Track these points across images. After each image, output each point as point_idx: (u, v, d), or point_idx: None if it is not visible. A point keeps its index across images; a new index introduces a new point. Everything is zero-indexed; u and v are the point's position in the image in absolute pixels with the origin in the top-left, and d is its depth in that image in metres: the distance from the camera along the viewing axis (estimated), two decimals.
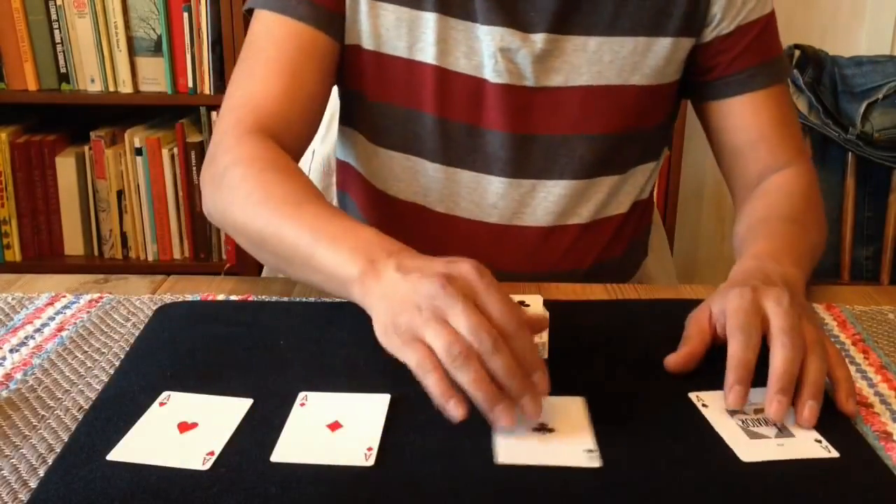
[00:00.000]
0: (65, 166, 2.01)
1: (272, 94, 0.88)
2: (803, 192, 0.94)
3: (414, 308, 0.61)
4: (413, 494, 0.55)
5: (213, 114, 1.96)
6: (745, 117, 0.96)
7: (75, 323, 0.78)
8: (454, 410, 0.58)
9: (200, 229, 2.05)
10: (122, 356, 0.72)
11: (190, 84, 1.93)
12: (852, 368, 0.72)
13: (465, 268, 0.62)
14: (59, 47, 1.93)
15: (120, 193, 2.03)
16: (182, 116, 2.01)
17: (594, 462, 0.58)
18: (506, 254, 0.97)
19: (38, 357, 0.72)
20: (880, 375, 0.71)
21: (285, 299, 0.83)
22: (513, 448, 0.59)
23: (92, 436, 0.60)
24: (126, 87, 1.95)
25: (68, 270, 1.32)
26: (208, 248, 2.07)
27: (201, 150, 1.99)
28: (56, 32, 1.92)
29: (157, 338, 0.74)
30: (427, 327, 0.60)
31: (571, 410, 0.63)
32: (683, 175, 2.05)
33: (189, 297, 0.83)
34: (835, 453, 0.59)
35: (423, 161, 0.96)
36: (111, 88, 1.95)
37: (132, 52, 1.94)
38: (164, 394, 0.65)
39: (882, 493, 0.56)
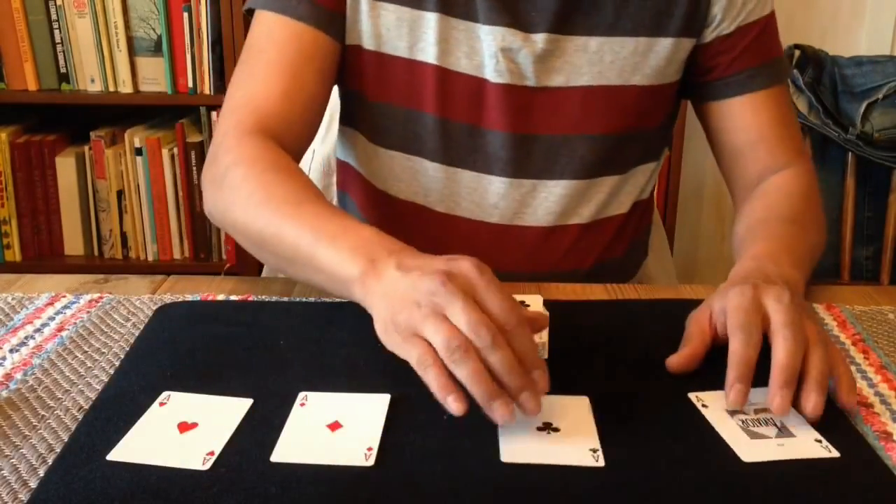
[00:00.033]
0: (65, 166, 2.01)
1: (273, 94, 0.88)
2: (803, 193, 0.94)
3: (413, 305, 0.61)
4: (413, 494, 0.55)
5: (213, 114, 1.96)
6: (744, 118, 0.96)
7: (75, 323, 0.78)
8: (453, 405, 0.58)
9: (200, 229, 2.05)
10: (122, 356, 0.72)
11: (190, 84, 1.93)
12: (852, 368, 0.72)
13: (465, 265, 0.63)
14: (59, 47, 1.93)
15: (120, 193, 2.03)
16: (182, 116, 2.01)
17: (598, 462, 0.58)
18: (506, 254, 0.97)
19: (38, 357, 0.72)
20: (880, 375, 0.71)
21: (285, 299, 0.83)
22: (517, 447, 0.59)
23: (92, 436, 0.60)
24: (126, 87, 1.94)
25: (68, 270, 1.32)
26: (208, 248, 2.07)
27: (201, 150, 1.99)
28: (56, 32, 1.92)
29: (157, 338, 0.74)
30: (426, 323, 0.60)
31: (577, 410, 0.63)
32: (683, 175, 2.05)
33: (189, 297, 0.83)
34: (835, 453, 0.59)
35: (423, 161, 0.96)
36: (111, 88, 1.95)
37: (132, 52, 1.94)
38: (164, 394, 0.65)
39: (882, 493, 0.56)
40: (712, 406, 0.65)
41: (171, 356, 0.71)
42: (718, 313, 0.70)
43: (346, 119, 1.03)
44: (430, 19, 0.90)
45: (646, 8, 0.91)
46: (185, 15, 1.90)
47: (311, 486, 0.55)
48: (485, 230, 0.97)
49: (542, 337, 0.70)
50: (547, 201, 0.96)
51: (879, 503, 0.56)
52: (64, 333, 0.76)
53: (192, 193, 2.02)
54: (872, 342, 0.77)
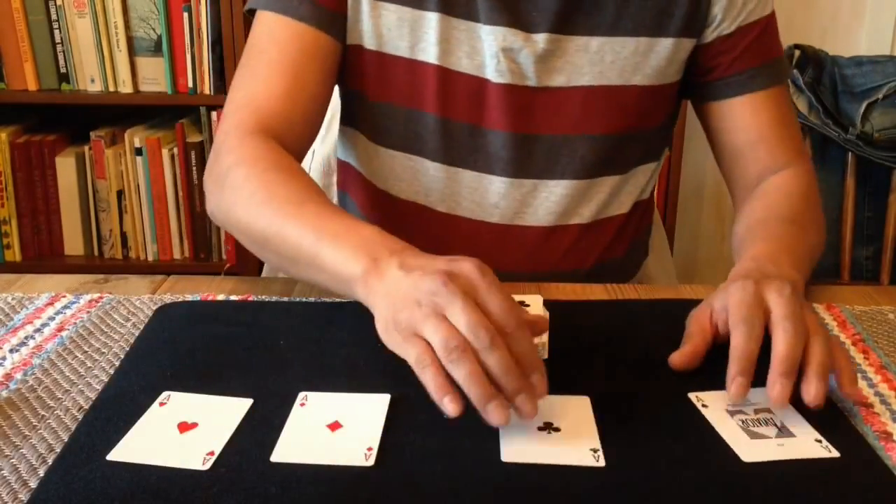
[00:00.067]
0: (65, 166, 2.01)
1: (274, 94, 0.88)
2: (802, 193, 0.94)
3: (414, 304, 0.61)
4: (413, 494, 0.55)
5: (213, 114, 1.96)
6: (745, 118, 0.96)
7: (75, 323, 0.78)
8: (449, 406, 0.58)
9: (200, 229, 2.05)
10: (122, 356, 0.72)
11: (190, 84, 1.93)
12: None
13: (467, 266, 0.63)
14: (59, 47, 1.93)
15: (120, 193, 2.03)
16: (182, 116, 2.01)
17: (599, 462, 0.58)
18: (507, 253, 0.97)
19: (38, 357, 0.72)
20: (880, 375, 0.71)
21: (285, 299, 0.83)
22: (518, 447, 0.59)
23: (92, 436, 0.60)
24: (126, 87, 1.94)
25: (68, 270, 1.32)
26: (208, 248, 2.06)
27: (201, 150, 1.99)
28: (56, 32, 1.92)
29: (157, 338, 0.74)
30: (426, 323, 0.60)
31: (577, 410, 0.63)
32: (683, 175, 2.05)
33: (189, 297, 0.83)
34: (835, 453, 0.59)
35: (424, 161, 0.96)
36: (111, 88, 1.95)
37: (132, 52, 1.93)
38: (164, 394, 0.65)
39: (882, 493, 0.56)
40: (712, 406, 0.65)
41: (171, 356, 0.71)
42: (720, 310, 0.70)
43: (347, 119, 1.03)
44: (431, 19, 0.90)
45: (646, 8, 0.91)
46: (185, 15, 1.90)
47: (311, 486, 0.55)
48: (485, 230, 0.97)
49: (543, 337, 0.70)
50: (547, 201, 0.96)
51: (879, 503, 0.56)
52: (64, 333, 0.76)
53: (192, 193, 2.02)
54: (872, 342, 0.77)
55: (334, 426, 0.61)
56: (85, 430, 0.61)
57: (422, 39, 0.91)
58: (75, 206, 2.03)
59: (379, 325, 0.64)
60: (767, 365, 0.64)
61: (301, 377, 0.68)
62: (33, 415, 0.64)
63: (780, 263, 0.76)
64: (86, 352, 0.73)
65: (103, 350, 0.73)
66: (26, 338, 0.75)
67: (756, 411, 0.64)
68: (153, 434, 0.61)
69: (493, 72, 0.91)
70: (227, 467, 0.57)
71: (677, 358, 0.70)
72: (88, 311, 0.80)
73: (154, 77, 1.95)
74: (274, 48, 0.89)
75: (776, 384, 0.62)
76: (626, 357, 0.73)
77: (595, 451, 0.59)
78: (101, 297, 0.83)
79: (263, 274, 1.12)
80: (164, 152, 1.99)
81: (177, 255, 2.07)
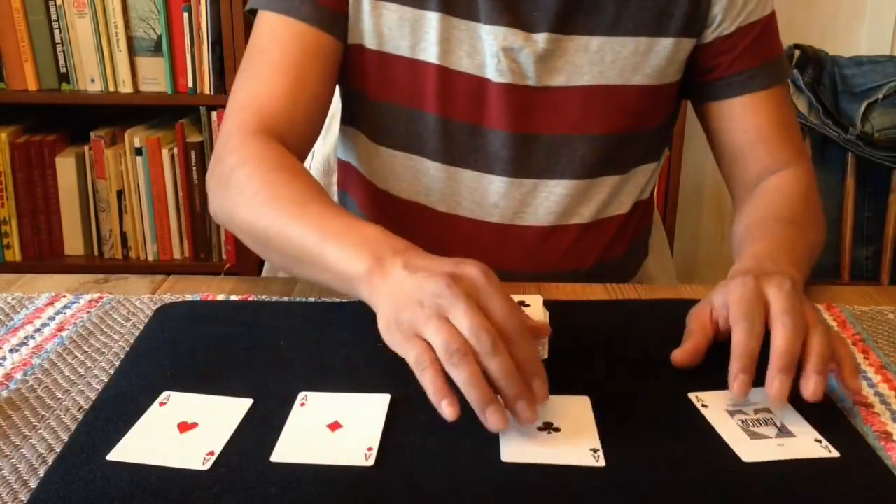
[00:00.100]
0: (65, 166, 2.01)
1: (276, 94, 0.88)
2: (802, 193, 0.94)
3: (417, 305, 0.61)
4: (413, 494, 0.55)
5: (214, 114, 1.96)
6: (745, 118, 0.96)
7: (75, 323, 0.78)
8: (447, 409, 0.58)
9: (200, 229, 2.05)
10: (122, 356, 0.72)
11: (190, 84, 1.93)
12: None
13: (471, 269, 0.63)
14: (59, 47, 1.93)
15: (120, 193, 2.03)
16: (182, 116, 2.01)
17: (599, 462, 0.58)
18: (507, 253, 0.97)
19: (38, 357, 0.72)
20: (880, 375, 0.71)
21: (285, 299, 0.83)
22: (518, 447, 0.59)
23: (92, 436, 0.60)
24: (126, 87, 1.94)
25: (68, 270, 1.32)
26: (208, 248, 2.06)
27: (201, 150, 1.99)
28: (56, 32, 1.92)
29: (157, 338, 0.74)
30: (428, 324, 0.60)
31: (577, 410, 0.63)
32: (683, 175, 2.05)
33: (189, 297, 0.83)
34: (835, 453, 0.59)
35: (424, 160, 0.96)
36: (111, 88, 1.95)
37: (132, 52, 1.93)
38: (164, 394, 0.65)
39: (882, 493, 0.56)
40: (712, 406, 0.65)
41: (171, 356, 0.71)
42: (720, 307, 0.70)
43: (348, 119, 1.03)
44: (432, 19, 0.90)
45: (646, 8, 0.91)
46: (185, 15, 1.90)
47: (311, 486, 0.55)
48: (485, 229, 0.97)
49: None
50: (548, 201, 0.96)
51: (879, 503, 0.56)
52: (64, 333, 0.76)
53: (192, 193, 2.02)
54: (872, 342, 0.77)
55: (334, 426, 0.61)
56: (85, 430, 0.61)
57: (422, 39, 0.91)
58: (75, 206, 2.03)
59: (381, 324, 0.64)
60: (767, 361, 0.64)
61: (301, 377, 0.68)
62: (33, 415, 0.64)
63: (780, 262, 0.76)
64: (86, 352, 0.73)
65: (103, 350, 0.73)
66: (26, 338, 0.75)
67: (756, 411, 0.64)
68: (153, 434, 0.61)
69: (494, 71, 0.91)
70: (227, 467, 0.57)
71: (679, 355, 0.70)
72: (88, 311, 0.80)
73: (154, 77, 1.95)
74: (275, 48, 0.89)
75: (775, 381, 0.62)
76: (626, 357, 0.73)
77: (595, 451, 0.59)
78: (101, 297, 0.83)
79: (263, 274, 1.12)
80: (164, 152, 1.99)
81: (177, 255, 2.07)
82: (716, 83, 0.96)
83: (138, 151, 1.99)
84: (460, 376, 0.58)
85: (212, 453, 0.58)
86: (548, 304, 0.76)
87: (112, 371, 0.70)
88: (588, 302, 0.84)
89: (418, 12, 0.90)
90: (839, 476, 0.58)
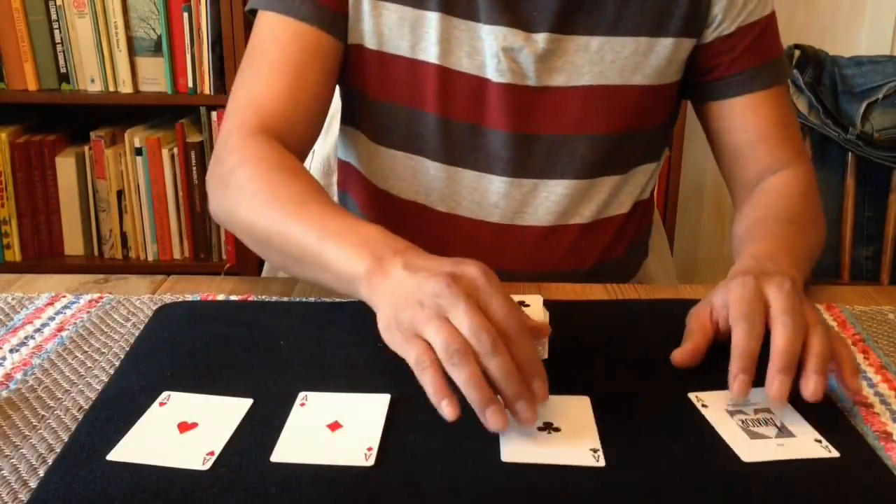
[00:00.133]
0: (65, 166, 2.01)
1: (276, 94, 0.88)
2: (802, 193, 0.94)
3: (417, 305, 0.61)
4: (413, 494, 0.55)
5: (214, 114, 1.96)
6: (745, 118, 0.96)
7: (75, 323, 0.78)
8: (446, 409, 0.58)
9: (200, 229, 2.05)
10: (122, 356, 0.72)
11: (190, 84, 1.93)
12: None
13: (471, 269, 0.63)
14: (59, 47, 1.93)
15: (120, 193, 2.03)
16: (182, 116, 2.01)
17: (599, 462, 0.58)
18: (507, 253, 0.97)
19: (38, 357, 0.72)
20: (880, 375, 0.71)
21: (285, 299, 0.83)
22: (518, 447, 0.59)
23: (92, 436, 0.60)
24: (126, 87, 1.94)
25: (68, 270, 1.32)
26: (208, 248, 2.06)
27: (201, 150, 1.99)
28: (56, 32, 1.92)
29: (157, 338, 0.74)
30: (428, 324, 0.60)
31: (577, 410, 0.63)
32: (683, 175, 2.05)
33: (189, 297, 0.83)
34: (835, 453, 0.59)
35: (424, 160, 0.96)
36: (111, 88, 1.95)
37: (132, 52, 1.93)
38: (164, 394, 0.65)
39: (882, 493, 0.56)
40: (712, 406, 0.65)
41: (171, 356, 0.71)
42: (720, 308, 0.70)
43: (348, 119, 1.03)
44: (432, 19, 0.90)
45: (646, 8, 0.91)
46: (185, 15, 1.90)
47: (311, 486, 0.55)
48: (485, 229, 0.97)
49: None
50: (548, 201, 0.96)
51: (879, 503, 0.56)
52: (64, 333, 0.76)
53: (192, 193, 2.02)
54: (872, 342, 0.77)
55: (334, 426, 0.61)
56: (85, 430, 0.61)
57: (422, 39, 0.91)
58: (75, 206, 2.03)
59: (381, 323, 0.64)
60: (767, 361, 0.64)
61: (301, 377, 0.68)
62: (33, 415, 0.64)
63: (780, 262, 0.76)
64: (86, 352, 0.73)
65: (103, 350, 0.73)
66: (26, 338, 0.75)
67: (756, 411, 0.64)
68: (153, 434, 0.61)
69: (494, 71, 0.91)
70: (227, 467, 0.57)
71: (679, 355, 0.70)
72: (88, 311, 0.80)
73: (154, 77, 1.95)
74: (276, 48, 0.89)
75: (774, 381, 0.62)
76: (626, 357, 0.73)
77: (595, 451, 0.59)
78: (101, 297, 0.83)
79: (263, 274, 1.12)
80: (164, 152, 1.99)
81: (177, 255, 2.07)
82: (716, 83, 0.96)
83: (138, 151, 1.99)
84: (460, 376, 0.58)
85: (212, 453, 0.58)
86: (548, 304, 0.76)
87: (112, 371, 0.70)
88: (588, 302, 0.84)
89: (418, 12, 0.90)
90: (839, 476, 0.58)
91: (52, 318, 0.79)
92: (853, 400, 0.67)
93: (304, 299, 0.83)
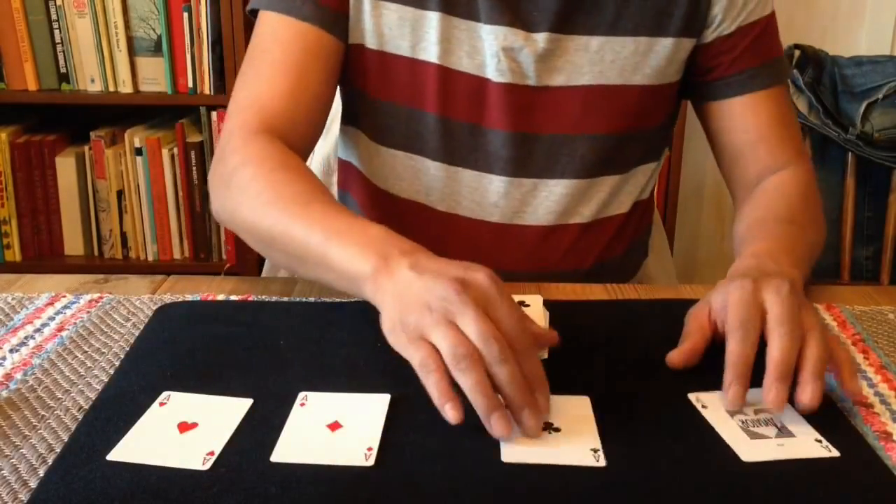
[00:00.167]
0: (65, 166, 2.01)
1: (278, 94, 0.88)
2: (802, 193, 0.94)
3: (424, 307, 0.61)
4: (413, 494, 0.55)
5: (214, 114, 1.96)
6: (745, 118, 0.96)
7: (75, 323, 0.78)
8: (450, 413, 0.58)
9: (200, 229, 2.05)
10: (122, 356, 0.72)
11: (190, 84, 1.93)
12: None
13: (481, 277, 0.62)
14: (59, 47, 1.93)
15: (120, 193, 2.03)
16: (182, 116, 2.01)
17: (599, 462, 0.58)
18: (507, 253, 0.97)
19: (38, 357, 0.72)
20: (880, 375, 0.71)
21: (285, 299, 0.83)
22: (518, 447, 0.59)
23: (92, 436, 0.60)
24: (126, 87, 1.94)
25: (68, 270, 1.32)
26: (208, 248, 2.06)
27: (201, 150, 1.99)
28: (56, 32, 1.92)
29: (157, 338, 0.74)
30: (435, 328, 0.60)
31: (578, 410, 0.63)
32: (683, 175, 2.05)
33: (189, 297, 0.83)
34: (835, 453, 0.59)
35: (424, 160, 0.96)
36: (111, 88, 1.95)
37: (132, 52, 1.93)
38: (164, 394, 0.65)
39: (882, 493, 0.56)
40: (712, 406, 0.65)
41: (171, 356, 0.71)
42: (719, 309, 0.70)
43: (348, 118, 1.03)
44: (432, 18, 0.90)
45: (646, 8, 0.91)
46: (185, 15, 1.90)
47: (311, 486, 0.55)
48: (485, 229, 0.97)
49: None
50: (547, 200, 0.96)
51: (879, 503, 0.56)
52: (64, 333, 0.76)
53: (192, 193, 2.02)
54: (872, 342, 0.77)
55: (334, 426, 0.61)
56: (85, 430, 0.61)
57: (423, 39, 0.91)
58: (75, 206, 2.03)
59: (385, 324, 0.64)
60: (765, 364, 0.64)
61: (301, 377, 0.68)
62: (33, 415, 0.64)
63: (780, 262, 0.76)
64: (86, 352, 0.73)
65: (103, 350, 0.73)
66: (26, 338, 0.75)
67: (756, 411, 0.64)
68: (153, 434, 0.61)
69: (494, 71, 0.91)
70: (227, 467, 0.57)
71: (675, 356, 0.70)
72: (88, 311, 0.80)
73: (154, 77, 1.95)
74: (277, 48, 0.89)
75: (771, 389, 0.62)
76: (626, 357, 0.73)
77: (595, 450, 0.59)
78: (101, 297, 0.83)
79: (263, 274, 1.12)
80: (164, 152, 1.99)
81: (177, 255, 2.07)
82: (715, 83, 0.96)
83: (138, 151, 1.99)
84: (467, 382, 0.58)
85: (212, 453, 0.58)
86: (548, 304, 0.76)
87: (112, 371, 0.70)
88: (588, 302, 0.84)
89: (418, 12, 0.90)
90: (839, 476, 0.58)
91: (52, 318, 0.79)
92: (853, 400, 0.67)
93: (304, 299, 0.83)
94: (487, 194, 0.96)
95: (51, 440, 0.61)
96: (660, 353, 0.71)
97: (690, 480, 0.57)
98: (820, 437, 0.61)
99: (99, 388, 0.67)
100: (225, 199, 0.83)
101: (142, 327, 0.77)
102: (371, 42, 0.92)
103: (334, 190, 1.15)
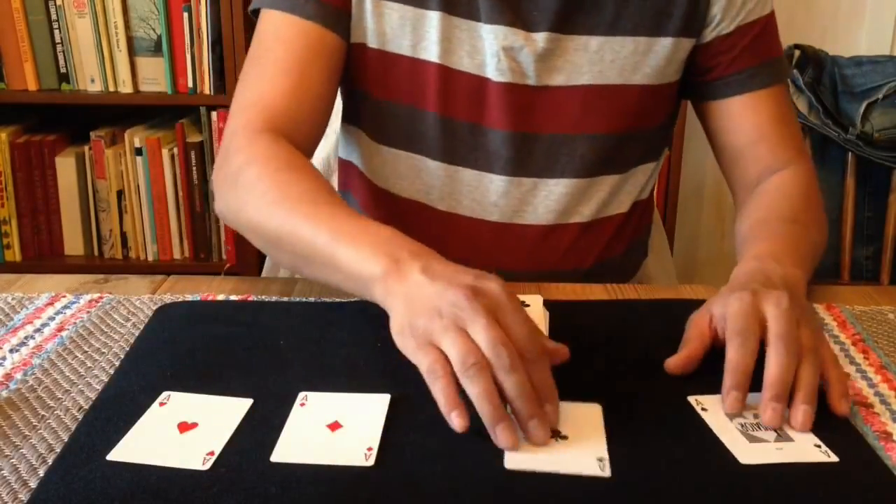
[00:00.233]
0: (65, 166, 2.01)
1: (281, 92, 0.88)
2: (803, 192, 0.94)
3: (434, 313, 0.61)
4: (413, 494, 0.55)
5: (214, 114, 1.96)
6: (745, 117, 0.96)
7: (75, 323, 0.78)
8: (456, 421, 0.58)
9: (200, 229, 2.05)
10: (122, 356, 0.72)
11: (190, 84, 1.93)
12: (852, 368, 0.72)
13: (493, 285, 0.62)
14: (59, 47, 1.93)
15: (120, 193, 2.03)
16: (182, 116, 2.01)
17: (605, 472, 0.57)
18: (507, 252, 0.98)
19: (38, 357, 0.72)
20: (880, 375, 0.71)
21: (285, 299, 0.83)
22: (523, 454, 0.58)
23: (92, 436, 0.60)
24: (126, 87, 1.94)
25: (68, 270, 1.32)
26: (208, 248, 2.06)
27: (201, 150, 1.99)
28: (56, 32, 1.92)
29: (157, 338, 0.74)
30: (445, 334, 0.60)
31: (587, 417, 0.63)
32: (683, 175, 2.05)
33: (189, 297, 0.83)
34: (834, 458, 0.59)
35: (425, 159, 0.96)
36: (111, 88, 1.95)
37: (132, 52, 1.93)
38: (164, 394, 0.65)
39: (882, 493, 0.56)
40: (712, 409, 0.64)
41: (171, 356, 0.71)
42: (719, 318, 0.70)
43: (350, 118, 1.03)
44: (433, 18, 0.90)
45: (645, 8, 0.91)
46: (185, 15, 1.90)
47: (311, 486, 0.55)
48: (485, 228, 0.97)
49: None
50: (547, 200, 0.96)
51: None
52: (64, 333, 0.76)
53: (192, 193, 2.02)
54: (872, 342, 0.77)
55: (334, 426, 0.61)
56: (85, 430, 0.61)
57: (423, 38, 0.91)
58: (75, 206, 2.03)
59: (394, 327, 0.64)
60: (762, 372, 0.64)
61: (301, 377, 0.68)
62: (33, 415, 0.64)
63: (783, 262, 0.76)
64: (86, 352, 0.73)
65: (103, 350, 0.73)
66: (26, 338, 0.75)
67: (756, 415, 0.64)
68: (153, 434, 0.61)
69: (494, 70, 0.91)
70: (227, 467, 0.57)
71: (673, 363, 0.70)
72: (88, 311, 0.80)
73: (154, 77, 1.95)
74: (280, 47, 0.89)
75: (767, 408, 0.62)
76: (626, 357, 0.73)
77: (601, 460, 0.58)
78: (101, 297, 0.83)
79: (263, 274, 1.12)
80: (164, 152, 1.99)
81: (177, 255, 2.07)
82: (715, 83, 0.96)
83: (138, 151, 1.99)
84: (475, 390, 0.58)
85: (212, 453, 0.58)
86: (548, 304, 0.76)
87: (112, 371, 0.69)
88: (588, 302, 0.84)
89: (419, 11, 0.90)
90: (839, 477, 0.58)
91: (52, 318, 0.79)
92: (853, 400, 0.67)
93: (304, 299, 0.83)
94: (487, 193, 0.96)
95: (51, 440, 0.61)
96: (660, 353, 0.71)
97: (691, 484, 0.56)
98: (819, 442, 0.61)
99: (99, 388, 0.67)
100: (230, 198, 0.83)
101: (142, 327, 0.77)
102: (372, 41, 0.92)
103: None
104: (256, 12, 0.93)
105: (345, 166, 1.08)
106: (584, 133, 0.94)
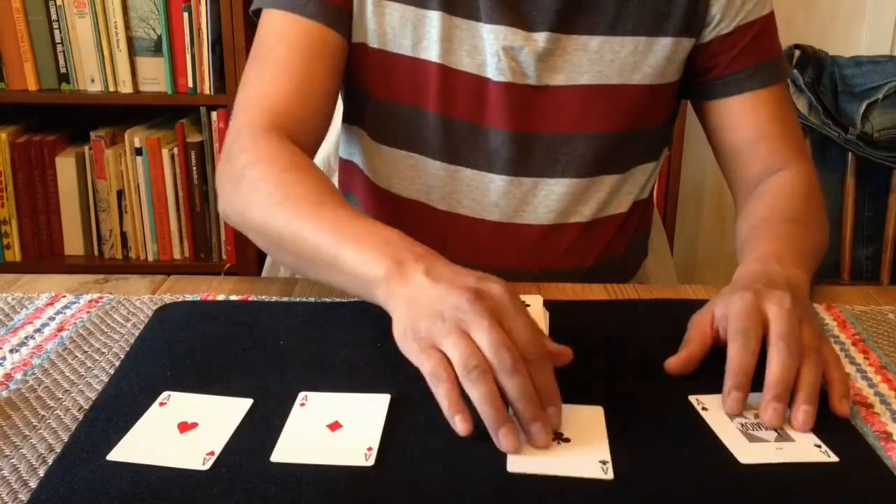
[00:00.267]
0: (65, 166, 2.01)
1: (283, 92, 0.87)
2: (804, 192, 0.94)
3: (437, 316, 0.61)
4: (413, 494, 0.55)
5: (214, 114, 1.96)
6: (744, 116, 0.96)
7: (75, 323, 0.78)
8: (460, 425, 0.58)
9: (200, 229, 2.05)
10: (122, 356, 0.72)
11: (190, 84, 1.93)
12: (852, 368, 0.72)
13: (496, 288, 0.62)
14: (59, 47, 1.93)
15: (120, 193, 2.03)
16: (182, 116, 2.01)
17: (607, 475, 0.57)
18: (507, 252, 0.98)
19: (38, 357, 0.72)
20: (880, 375, 0.71)
21: (285, 299, 0.83)
22: (525, 456, 0.58)
23: (92, 436, 0.60)
24: (126, 87, 1.94)
25: (68, 270, 1.32)
26: (208, 248, 2.06)
27: (201, 150, 1.99)
28: (56, 32, 1.92)
29: (157, 338, 0.74)
30: (447, 337, 0.60)
31: (590, 420, 0.63)
32: (683, 175, 2.05)
33: (189, 297, 0.83)
34: (834, 458, 0.59)
35: (425, 159, 0.96)
36: (111, 88, 1.95)
37: (132, 52, 1.93)
38: (164, 394, 0.65)
39: (882, 493, 0.56)
40: (712, 409, 0.64)
41: (171, 356, 0.71)
42: (720, 318, 0.70)
43: (350, 117, 1.03)
44: (434, 18, 0.90)
45: (645, 8, 0.92)
46: (185, 15, 1.90)
47: (311, 486, 0.55)
48: (485, 228, 0.97)
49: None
50: (547, 199, 0.96)
51: None
52: (64, 333, 0.76)
53: (191, 193, 2.02)
54: (872, 342, 0.77)
55: (334, 426, 0.61)
56: (85, 430, 0.61)
57: (424, 38, 0.91)
58: (75, 206, 2.03)
59: (397, 329, 0.64)
60: (763, 373, 0.64)
61: (301, 377, 0.68)
62: (33, 415, 0.64)
63: (785, 262, 0.76)
64: (86, 352, 0.73)
65: (103, 350, 0.73)
66: (26, 338, 0.75)
67: (756, 415, 0.64)
68: (153, 434, 0.61)
69: (494, 70, 0.91)
70: (227, 467, 0.57)
71: (673, 363, 0.70)
72: (88, 312, 0.80)
73: (154, 77, 1.95)
74: (282, 46, 0.89)
75: (768, 408, 0.62)
76: (626, 357, 0.72)
77: (604, 462, 0.58)
78: (101, 298, 0.83)
79: (263, 274, 1.12)
80: (164, 152, 1.99)
81: (177, 255, 2.07)
82: (715, 82, 0.96)
83: (138, 151, 1.99)
84: (476, 393, 0.58)
85: (212, 453, 0.58)
86: (548, 304, 0.76)
87: (112, 371, 0.69)
88: (588, 302, 0.84)
89: (420, 11, 0.90)
90: (839, 477, 0.58)
91: (52, 319, 0.79)
92: (853, 400, 0.67)
93: (304, 299, 0.83)
94: (488, 193, 0.96)
95: (51, 440, 0.61)
96: (660, 353, 0.71)
97: (691, 484, 0.56)
98: (819, 443, 0.61)
99: (99, 388, 0.67)
100: (233, 198, 0.83)
101: (142, 327, 0.77)
102: (373, 41, 0.92)
103: None
104: (258, 13, 0.93)
105: (345, 166, 1.08)
106: (584, 133, 0.94)
